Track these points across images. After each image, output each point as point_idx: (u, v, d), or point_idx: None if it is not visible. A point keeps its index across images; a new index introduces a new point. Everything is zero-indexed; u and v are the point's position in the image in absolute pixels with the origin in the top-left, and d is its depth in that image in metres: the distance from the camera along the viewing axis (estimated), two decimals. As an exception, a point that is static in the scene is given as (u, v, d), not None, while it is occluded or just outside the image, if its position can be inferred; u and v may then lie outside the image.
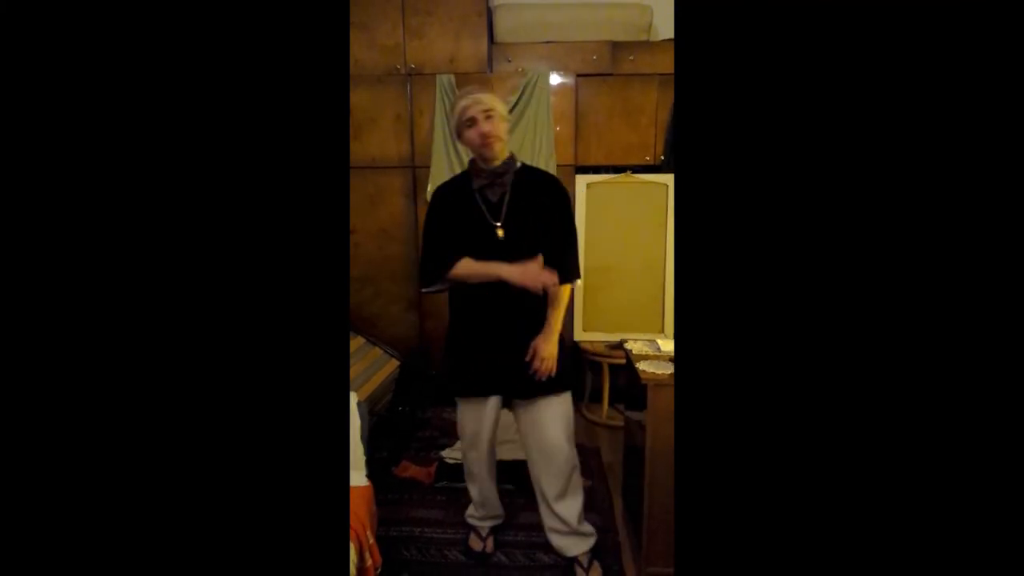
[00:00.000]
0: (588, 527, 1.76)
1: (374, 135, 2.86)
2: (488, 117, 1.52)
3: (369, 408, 2.30)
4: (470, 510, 1.95)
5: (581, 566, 1.74)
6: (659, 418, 1.64)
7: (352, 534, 1.44)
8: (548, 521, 1.74)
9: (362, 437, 1.74)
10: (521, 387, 1.64)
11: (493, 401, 1.70)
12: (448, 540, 1.94)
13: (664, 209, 2.82)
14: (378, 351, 2.80)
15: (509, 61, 2.82)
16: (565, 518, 1.70)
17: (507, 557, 1.86)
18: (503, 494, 1.99)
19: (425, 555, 1.88)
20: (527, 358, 1.61)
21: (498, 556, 1.86)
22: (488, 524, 1.92)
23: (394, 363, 2.79)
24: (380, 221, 2.93)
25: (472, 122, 1.54)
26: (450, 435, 2.70)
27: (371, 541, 1.54)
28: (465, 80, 2.75)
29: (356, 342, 2.75)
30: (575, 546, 1.73)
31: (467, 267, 1.59)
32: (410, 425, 2.78)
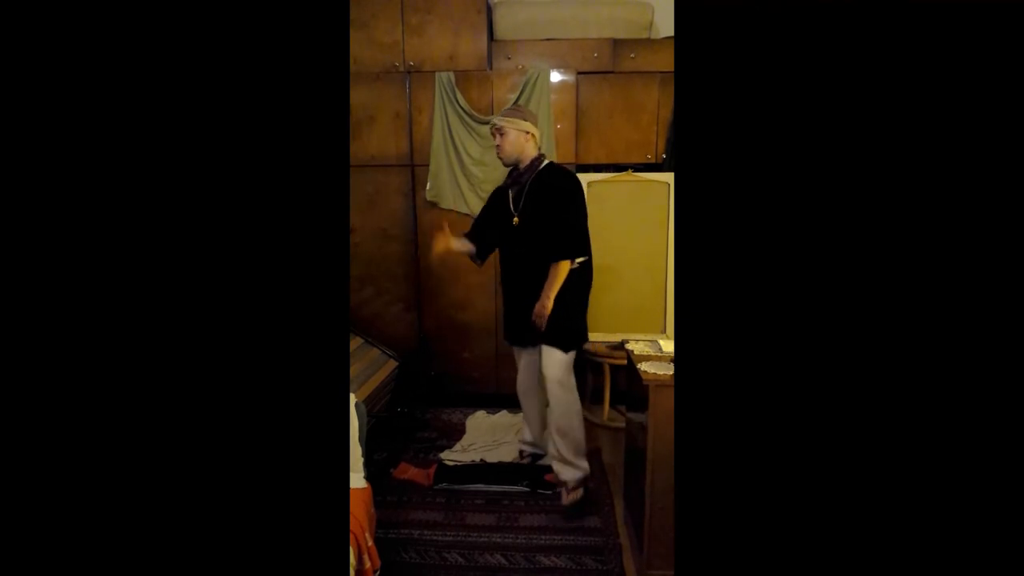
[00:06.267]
0: (583, 463, 2.12)
1: (373, 133, 2.84)
2: (498, 134, 2.08)
3: (367, 409, 2.28)
4: (523, 434, 2.50)
5: (566, 488, 2.11)
6: (661, 419, 1.63)
7: (351, 536, 1.42)
8: (550, 447, 2.17)
9: (360, 438, 1.72)
10: (528, 338, 2.14)
11: (524, 350, 2.24)
12: (447, 543, 1.93)
13: (666, 208, 2.80)
14: (376, 351, 2.79)
15: (509, 59, 2.80)
16: (561, 451, 2.09)
17: (507, 560, 1.84)
18: (505, 496, 2.24)
19: (424, 558, 1.86)
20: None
21: (497, 558, 1.85)
22: (534, 450, 2.45)
23: (393, 363, 2.78)
24: (379, 220, 2.91)
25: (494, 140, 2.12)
26: (449, 436, 2.69)
27: (370, 543, 1.53)
28: (464, 77, 2.74)
29: (354, 342, 2.73)
30: (566, 472, 2.11)
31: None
32: (409, 426, 2.77)
